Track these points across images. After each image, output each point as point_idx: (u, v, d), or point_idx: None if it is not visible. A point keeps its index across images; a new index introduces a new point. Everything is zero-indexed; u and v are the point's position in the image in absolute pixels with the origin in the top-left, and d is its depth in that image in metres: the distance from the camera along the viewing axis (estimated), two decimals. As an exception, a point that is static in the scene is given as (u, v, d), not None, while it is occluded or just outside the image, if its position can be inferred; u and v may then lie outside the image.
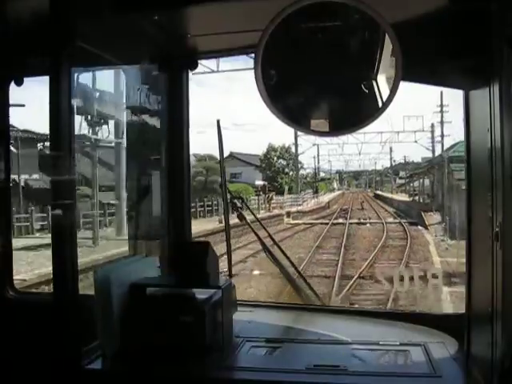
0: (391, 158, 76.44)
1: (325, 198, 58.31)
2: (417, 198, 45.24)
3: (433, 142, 46.05)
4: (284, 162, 58.71)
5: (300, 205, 42.88)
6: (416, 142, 48.56)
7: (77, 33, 2.04)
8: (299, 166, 65.44)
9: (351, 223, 31.16)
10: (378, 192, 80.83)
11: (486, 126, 1.74)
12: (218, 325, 2.12)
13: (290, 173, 57.31)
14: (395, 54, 1.82)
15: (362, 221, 33.02)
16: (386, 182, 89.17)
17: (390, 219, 34.56)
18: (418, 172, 49.26)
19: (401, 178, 77.30)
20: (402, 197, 55.96)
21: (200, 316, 2.06)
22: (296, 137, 53.41)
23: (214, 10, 2.12)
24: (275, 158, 58.89)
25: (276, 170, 57.71)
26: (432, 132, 46.22)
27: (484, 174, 1.77)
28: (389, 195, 64.91)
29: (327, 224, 30.54)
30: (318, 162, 76.20)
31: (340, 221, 33.31)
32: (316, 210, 42.72)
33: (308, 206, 43.86)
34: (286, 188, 51.22)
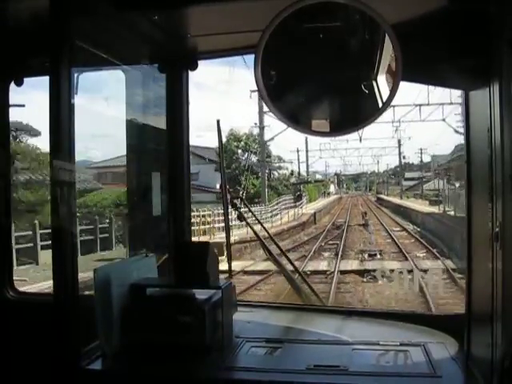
0: (400, 154, 60.89)
1: (311, 207, 40.78)
2: (449, 207, 27.79)
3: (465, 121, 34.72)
4: (252, 157, 39.85)
5: (264, 221, 20.71)
6: (444, 120, 35.48)
7: (77, 33, 2.03)
8: (278, 162, 48.62)
9: (345, 272, 14.52)
10: (382, 196, 68.52)
11: (486, 126, 1.74)
12: (218, 325, 2.12)
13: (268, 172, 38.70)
14: (395, 54, 1.82)
15: (369, 267, 14.93)
16: (389, 185, 79.48)
17: (421, 255, 17.63)
18: (452, 165, 35.75)
19: (407, 179, 65.79)
20: (419, 204, 39.54)
21: (200, 316, 2.06)
22: (261, 114, 33.83)
23: (214, 11, 2.12)
24: (239, 151, 41.23)
25: (242, 168, 37.88)
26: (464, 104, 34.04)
27: (484, 174, 1.77)
28: (396, 200, 50.59)
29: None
30: (307, 159, 59.20)
31: (322, 266, 15.81)
32: (287, 231, 24.88)
33: (274, 225, 24.86)
34: (242, 193, 26.86)
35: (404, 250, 18.53)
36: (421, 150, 63.32)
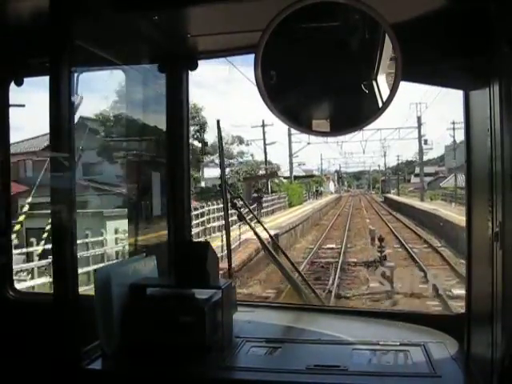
0: (420, 137, 40.41)
1: (283, 218, 24.70)
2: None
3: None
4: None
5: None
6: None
7: (77, 33, 2.03)
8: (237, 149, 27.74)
9: None
10: (392, 197, 52.55)
11: (486, 126, 1.74)
12: (218, 325, 2.12)
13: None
14: (395, 54, 1.82)
15: None
16: (393, 182, 67.97)
17: None
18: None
19: (417, 175, 49.16)
20: (456, 213, 22.17)
21: (200, 316, 2.06)
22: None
23: (214, 11, 2.12)
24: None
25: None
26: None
27: (484, 174, 1.77)
28: (418, 204, 33.37)
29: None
30: (290, 147, 38.62)
31: None
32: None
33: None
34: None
35: None
36: (453, 123, 39.51)
